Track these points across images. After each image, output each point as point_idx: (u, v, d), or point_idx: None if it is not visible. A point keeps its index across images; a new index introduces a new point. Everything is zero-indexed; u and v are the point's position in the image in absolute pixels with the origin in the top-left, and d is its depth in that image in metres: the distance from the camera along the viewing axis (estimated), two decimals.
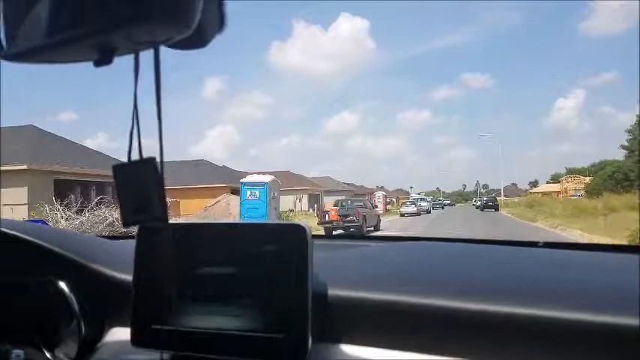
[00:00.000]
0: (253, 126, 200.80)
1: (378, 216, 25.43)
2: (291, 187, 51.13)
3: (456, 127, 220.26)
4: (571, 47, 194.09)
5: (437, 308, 0.70)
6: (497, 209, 52.24)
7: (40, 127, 25.93)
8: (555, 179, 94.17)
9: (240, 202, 22.62)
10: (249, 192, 22.20)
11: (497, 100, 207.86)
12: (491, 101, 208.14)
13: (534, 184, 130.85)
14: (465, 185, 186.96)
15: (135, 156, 0.46)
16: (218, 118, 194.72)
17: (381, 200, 46.91)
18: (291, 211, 38.73)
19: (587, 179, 63.02)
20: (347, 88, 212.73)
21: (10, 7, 0.44)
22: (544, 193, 71.97)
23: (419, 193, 66.87)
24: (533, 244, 1.28)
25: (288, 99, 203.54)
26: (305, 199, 51.43)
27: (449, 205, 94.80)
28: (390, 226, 27.13)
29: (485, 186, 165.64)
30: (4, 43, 0.44)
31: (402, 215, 42.39)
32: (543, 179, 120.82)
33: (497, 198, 59.77)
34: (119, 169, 0.48)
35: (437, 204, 74.58)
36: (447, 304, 0.69)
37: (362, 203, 24.61)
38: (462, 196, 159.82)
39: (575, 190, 64.16)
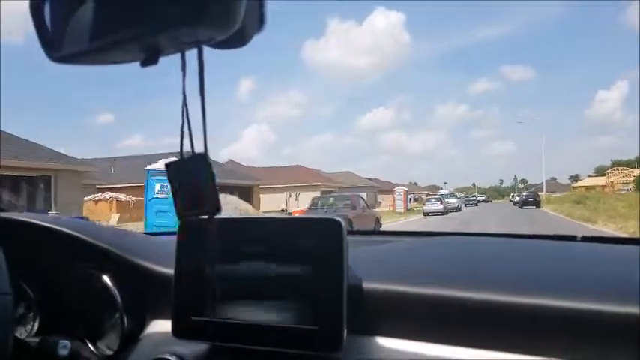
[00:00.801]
0: (287, 125, 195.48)
1: (376, 219, 18.32)
2: (302, 182, 44.22)
3: (494, 120, 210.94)
4: (613, 37, 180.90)
5: (471, 301, 0.69)
6: (538, 206, 43.88)
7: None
8: (600, 172, 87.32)
9: (145, 202, 14.39)
10: (158, 186, 13.77)
11: (537, 92, 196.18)
12: (530, 94, 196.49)
13: (575, 178, 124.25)
14: (502, 181, 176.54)
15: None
16: (253, 117, 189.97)
17: (402, 197, 39.25)
18: (284, 211, 31.51)
19: (637, 172, 55.95)
20: (382, 84, 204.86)
21: (59, 11, 0.44)
22: (588, 188, 64.91)
23: (450, 190, 58.21)
24: (571, 238, 1.25)
25: (323, 96, 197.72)
26: (317, 195, 44.25)
27: (484, 201, 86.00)
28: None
29: (524, 181, 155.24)
30: (53, 45, 0.44)
31: (426, 215, 34.68)
32: (584, 173, 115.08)
33: (539, 193, 50.75)
34: (173, 165, 0.49)
35: (470, 200, 65.84)
36: (482, 297, 0.68)
37: (349, 202, 17.38)
38: (498, 192, 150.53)
39: (624, 183, 57.00)
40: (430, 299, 0.71)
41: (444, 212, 35.44)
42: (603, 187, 62.32)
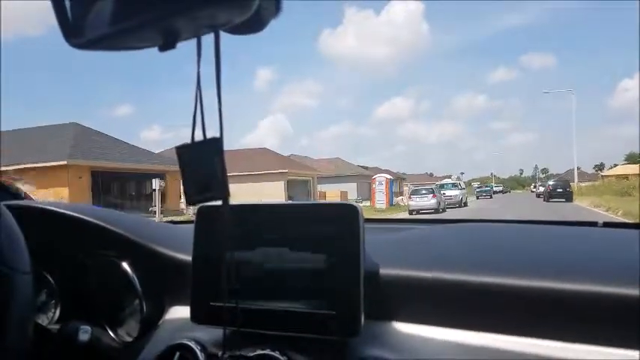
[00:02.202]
0: (304, 115, 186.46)
1: None
2: (266, 170, 33.07)
3: (513, 110, 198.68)
4: (635, 25, 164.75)
5: (489, 287, 0.67)
6: (570, 199, 31.95)
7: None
8: (631, 160, 76.06)
9: None
10: None
11: (558, 81, 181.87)
12: (551, 82, 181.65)
13: (600, 167, 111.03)
14: (522, 170, 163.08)
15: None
16: (269, 107, 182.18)
17: (383, 188, 27.63)
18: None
19: None
20: (400, 74, 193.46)
21: None
22: (619, 176, 53.08)
23: (454, 178, 45.29)
24: (592, 224, 1.19)
25: (340, 86, 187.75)
26: (281, 186, 33.09)
27: (501, 192, 73.21)
28: None
29: (545, 170, 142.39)
30: (72, 31, 0.43)
31: (412, 212, 23.18)
32: (609, 162, 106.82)
33: (570, 183, 37.79)
34: (183, 149, 0.47)
35: (483, 191, 53.37)
36: (500, 282, 0.67)
37: None
38: (517, 182, 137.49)
39: None
40: (448, 285, 0.69)
41: (439, 209, 23.97)
42: (638, 175, 50.79)
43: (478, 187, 59.04)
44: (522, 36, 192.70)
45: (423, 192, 25.60)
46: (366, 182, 48.10)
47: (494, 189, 67.48)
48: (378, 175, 29.89)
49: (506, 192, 78.98)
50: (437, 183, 35.94)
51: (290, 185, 35.12)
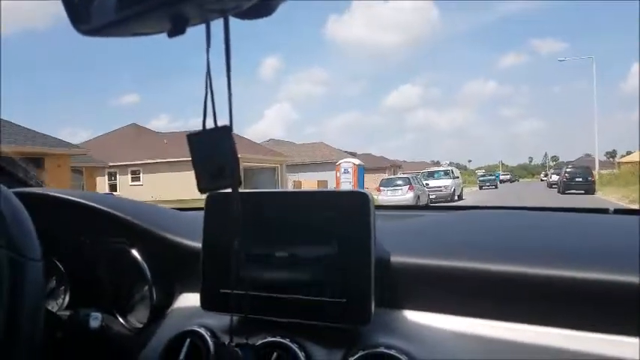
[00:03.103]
0: (311, 103, 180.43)
1: None
2: None
3: (523, 96, 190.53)
4: None
5: (501, 274, 0.66)
6: (591, 190, 25.18)
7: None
8: None
9: None
10: None
11: (568, 66, 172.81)
12: (561, 67, 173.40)
13: (612, 154, 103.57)
14: (532, 158, 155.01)
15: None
16: (275, 96, 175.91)
17: (351, 177, 21.00)
18: None
19: None
20: (409, 61, 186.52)
21: None
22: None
23: (445, 164, 37.92)
24: (603, 211, 1.18)
25: (348, 74, 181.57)
26: None
27: (508, 181, 65.82)
28: None
29: (555, 158, 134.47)
30: (80, 18, 0.41)
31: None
32: (621, 149, 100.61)
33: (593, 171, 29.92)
34: (194, 137, 0.46)
35: (487, 180, 45.67)
36: (512, 270, 0.65)
37: None
38: (527, 170, 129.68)
39: None
40: (459, 273, 0.68)
41: (417, 205, 17.30)
42: None
43: (481, 176, 51.83)
44: (531, 20, 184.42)
45: (398, 182, 19.09)
46: None
47: (501, 177, 60.46)
48: (344, 160, 22.95)
49: (514, 181, 71.60)
50: (423, 170, 29.08)
51: (250, 174, 28.70)
